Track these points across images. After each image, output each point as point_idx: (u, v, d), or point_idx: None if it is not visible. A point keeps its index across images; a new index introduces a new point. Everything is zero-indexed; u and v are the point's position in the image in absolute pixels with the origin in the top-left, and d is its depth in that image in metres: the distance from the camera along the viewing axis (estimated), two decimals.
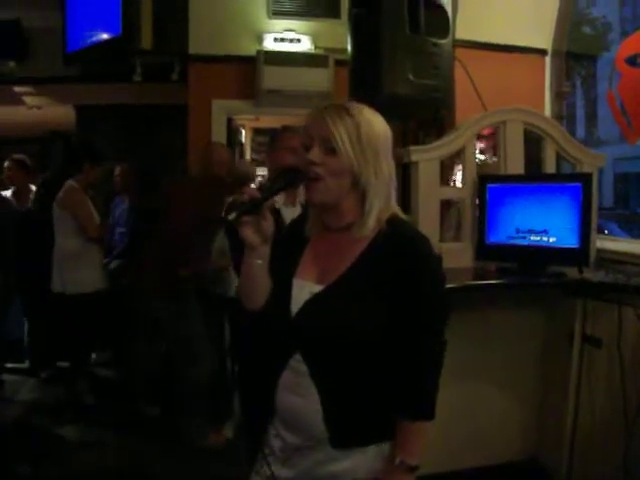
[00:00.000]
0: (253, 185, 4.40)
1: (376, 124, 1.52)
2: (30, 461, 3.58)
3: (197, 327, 3.85)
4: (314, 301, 1.52)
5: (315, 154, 1.49)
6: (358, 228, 1.51)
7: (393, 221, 1.52)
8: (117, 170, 5.21)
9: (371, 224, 1.49)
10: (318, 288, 1.53)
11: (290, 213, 2.68)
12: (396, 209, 1.57)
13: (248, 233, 1.50)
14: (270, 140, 3.36)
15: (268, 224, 1.51)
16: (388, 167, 1.52)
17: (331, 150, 1.47)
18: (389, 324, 1.47)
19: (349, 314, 1.47)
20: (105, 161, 4.60)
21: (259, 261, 1.55)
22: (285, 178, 1.56)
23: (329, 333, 1.49)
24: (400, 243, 1.49)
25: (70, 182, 4.43)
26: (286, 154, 2.80)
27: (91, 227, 4.38)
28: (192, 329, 3.83)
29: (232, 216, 1.48)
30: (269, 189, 1.55)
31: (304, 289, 1.55)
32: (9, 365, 5.18)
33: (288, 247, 1.64)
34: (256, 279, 1.59)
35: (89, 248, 4.42)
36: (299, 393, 1.52)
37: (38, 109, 6.62)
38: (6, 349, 5.12)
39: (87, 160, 4.45)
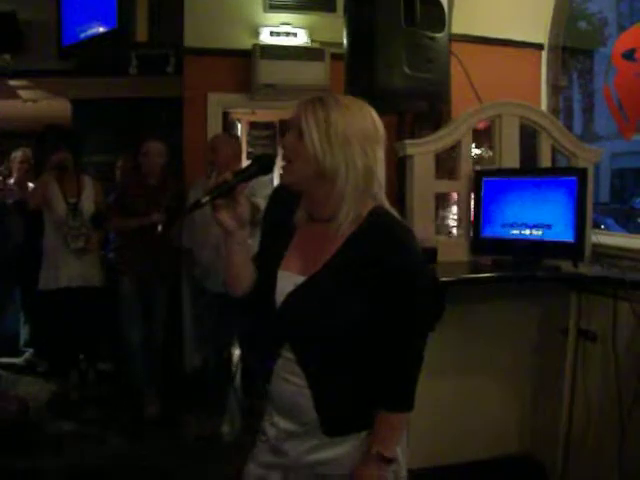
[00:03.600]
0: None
1: (353, 116, 1.50)
2: (28, 455, 3.59)
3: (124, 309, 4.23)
4: (296, 293, 1.54)
5: (286, 139, 1.53)
6: (334, 220, 1.50)
7: (374, 213, 1.52)
8: (119, 162, 5.21)
9: (344, 216, 1.49)
10: (301, 279, 1.54)
11: None
12: (381, 202, 1.55)
13: (224, 217, 1.52)
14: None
15: (244, 210, 1.53)
16: (364, 161, 1.49)
17: (300, 135, 1.49)
18: (370, 316, 1.48)
19: (328, 306, 1.48)
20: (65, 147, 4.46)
21: (237, 245, 1.58)
22: (259, 164, 1.58)
23: (310, 324, 1.51)
24: (378, 236, 1.48)
25: None
26: None
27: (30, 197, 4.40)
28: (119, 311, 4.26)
29: (205, 199, 1.48)
30: (242, 173, 1.55)
31: (288, 281, 1.56)
32: (3, 360, 5.19)
33: (276, 238, 1.66)
34: (237, 264, 1.62)
35: (51, 244, 4.36)
36: (291, 381, 1.55)
37: (34, 103, 6.60)
38: (3, 344, 5.13)
39: (52, 149, 4.39)
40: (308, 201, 1.58)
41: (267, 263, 1.63)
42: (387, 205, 1.56)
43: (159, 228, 4.08)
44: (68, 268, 4.31)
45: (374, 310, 1.47)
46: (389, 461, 1.51)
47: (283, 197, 1.63)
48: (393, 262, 1.47)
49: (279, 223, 1.67)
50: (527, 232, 3.12)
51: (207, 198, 1.48)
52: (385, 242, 1.48)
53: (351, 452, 1.53)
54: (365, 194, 1.51)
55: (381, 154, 1.55)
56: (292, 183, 1.55)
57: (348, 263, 1.49)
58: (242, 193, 1.53)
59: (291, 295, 1.54)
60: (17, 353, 5.34)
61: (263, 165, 1.57)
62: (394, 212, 1.56)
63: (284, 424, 1.60)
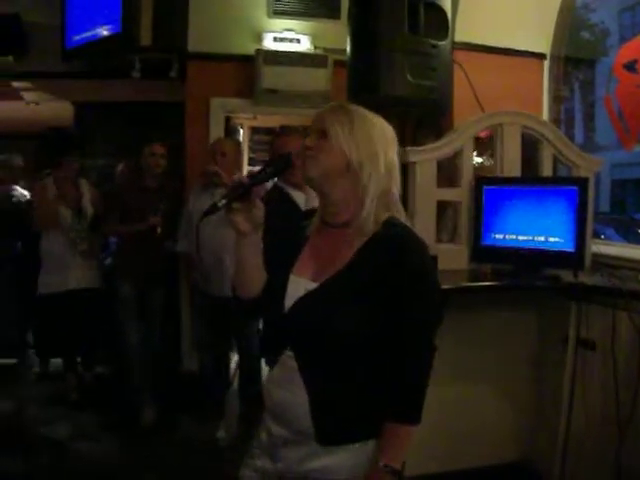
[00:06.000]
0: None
1: (373, 120, 1.57)
2: (24, 457, 3.58)
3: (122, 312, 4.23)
4: (307, 298, 1.53)
5: (309, 139, 1.55)
6: (355, 224, 1.51)
7: (389, 223, 1.52)
8: (119, 167, 5.21)
9: (367, 220, 1.50)
10: (313, 285, 1.53)
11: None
12: (396, 212, 1.57)
13: (238, 220, 1.51)
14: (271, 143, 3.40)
15: (259, 212, 1.53)
16: (385, 160, 1.53)
17: (323, 134, 1.52)
18: (380, 326, 1.48)
19: (339, 314, 1.48)
20: (76, 154, 4.48)
21: (250, 247, 1.57)
22: (275, 165, 1.59)
23: (318, 331, 1.50)
24: (394, 247, 1.48)
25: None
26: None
27: (38, 217, 4.37)
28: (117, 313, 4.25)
29: (221, 203, 1.48)
30: (258, 175, 1.55)
31: (299, 285, 1.56)
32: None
33: (285, 242, 1.66)
34: (248, 267, 1.60)
35: (56, 248, 4.36)
36: (288, 388, 1.54)
37: (36, 105, 6.60)
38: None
39: (60, 154, 4.39)
40: (326, 202, 1.59)
41: (277, 267, 1.62)
42: (403, 216, 1.58)
43: (158, 230, 4.09)
44: (75, 270, 4.35)
45: (384, 321, 1.47)
46: (397, 473, 1.50)
47: (278, 199, 1.61)
48: (406, 274, 1.47)
49: (285, 227, 1.66)
50: (527, 241, 3.12)
51: (223, 202, 1.47)
52: (399, 254, 1.48)
53: (345, 461, 1.51)
54: (384, 197, 1.53)
55: (397, 158, 1.59)
56: (315, 176, 1.55)
57: (361, 272, 1.49)
58: (258, 195, 1.53)
59: (301, 300, 1.54)
60: (12, 355, 5.33)
61: (279, 167, 1.59)
62: (409, 224, 1.57)
63: (278, 431, 1.59)
